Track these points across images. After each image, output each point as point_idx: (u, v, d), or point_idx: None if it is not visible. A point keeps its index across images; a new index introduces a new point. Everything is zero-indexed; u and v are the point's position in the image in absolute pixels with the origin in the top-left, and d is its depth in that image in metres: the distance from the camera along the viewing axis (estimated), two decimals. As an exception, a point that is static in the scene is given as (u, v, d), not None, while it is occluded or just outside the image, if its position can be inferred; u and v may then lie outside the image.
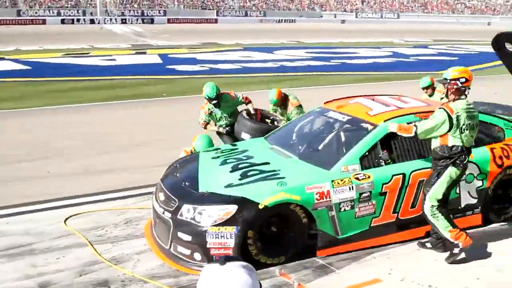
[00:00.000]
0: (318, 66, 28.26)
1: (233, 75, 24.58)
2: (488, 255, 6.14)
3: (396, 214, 6.31)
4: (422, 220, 6.44)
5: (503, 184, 7.05)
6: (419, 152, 6.51)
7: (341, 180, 5.97)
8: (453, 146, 5.77)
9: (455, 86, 5.82)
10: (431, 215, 5.91)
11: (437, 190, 5.87)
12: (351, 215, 6.02)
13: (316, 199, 5.81)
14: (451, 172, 5.83)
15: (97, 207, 7.64)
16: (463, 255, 5.85)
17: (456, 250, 5.87)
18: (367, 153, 6.24)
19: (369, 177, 6.10)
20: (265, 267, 5.71)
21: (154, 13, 73.82)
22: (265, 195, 5.66)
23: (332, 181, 5.94)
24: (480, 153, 6.77)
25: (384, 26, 68.38)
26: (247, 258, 5.61)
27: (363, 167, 6.14)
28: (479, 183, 6.76)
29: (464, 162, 5.85)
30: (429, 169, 6.36)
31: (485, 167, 6.75)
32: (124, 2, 74.34)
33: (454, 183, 5.98)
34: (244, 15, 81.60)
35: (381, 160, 6.27)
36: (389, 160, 6.31)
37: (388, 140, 6.37)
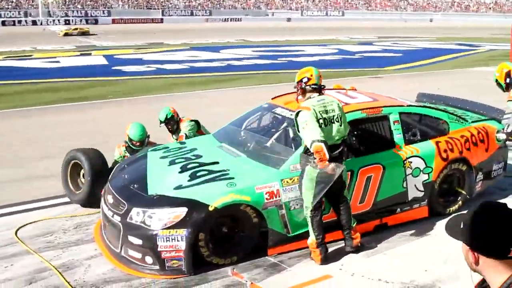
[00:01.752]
0: (265, 65, 28.40)
1: (180, 75, 24.50)
2: (435, 247, 6.26)
3: (345, 210, 6.36)
4: (370, 215, 6.58)
5: (449, 177, 7.24)
6: (366, 148, 6.60)
7: (290, 179, 5.99)
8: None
9: (300, 87, 5.98)
10: (308, 218, 5.88)
11: (304, 192, 5.79)
12: (301, 213, 6.04)
13: (266, 198, 5.81)
14: (308, 171, 5.72)
15: (45, 213, 7.47)
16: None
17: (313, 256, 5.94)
18: (315, 151, 6.27)
19: (318, 174, 6.13)
20: (218, 268, 5.70)
21: (98, 13, 72.87)
22: (215, 196, 5.62)
23: (282, 180, 5.96)
24: (426, 147, 6.93)
25: (329, 24, 69.10)
26: (199, 259, 5.61)
27: (312, 165, 6.17)
28: (425, 176, 6.89)
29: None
30: (377, 165, 6.48)
31: (431, 160, 6.90)
32: (67, 3, 73.09)
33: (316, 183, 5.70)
34: (190, 14, 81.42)
35: (329, 157, 6.30)
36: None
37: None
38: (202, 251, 5.62)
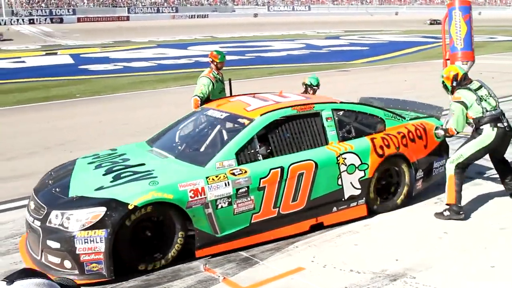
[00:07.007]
0: (233, 61, 28.29)
1: (148, 72, 24.36)
2: (405, 236, 6.34)
3: (277, 209, 6.23)
4: (305, 214, 6.46)
5: (387, 174, 7.17)
6: (297, 145, 6.51)
7: (216, 176, 5.86)
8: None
9: None
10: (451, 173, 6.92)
11: (463, 149, 6.99)
12: (229, 212, 5.91)
13: (190, 196, 5.65)
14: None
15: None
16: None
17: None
18: (243, 148, 6.17)
19: (245, 172, 6.01)
20: (141, 274, 5.52)
21: (63, 12, 72.24)
22: (135, 195, 5.44)
23: (207, 177, 5.81)
24: (360, 143, 6.87)
25: (296, 19, 69.26)
26: (120, 264, 5.44)
27: (240, 162, 6.06)
28: (361, 173, 6.81)
29: None
30: (308, 161, 6.37)
31: (366, 157, 6.83)
32: (31, 2, 72.22)
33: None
34: (156, 11, 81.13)
35: (258, 155, 6.21)
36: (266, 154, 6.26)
37: (266, 134, 6.34)
38: (123, 255, 5.45)
